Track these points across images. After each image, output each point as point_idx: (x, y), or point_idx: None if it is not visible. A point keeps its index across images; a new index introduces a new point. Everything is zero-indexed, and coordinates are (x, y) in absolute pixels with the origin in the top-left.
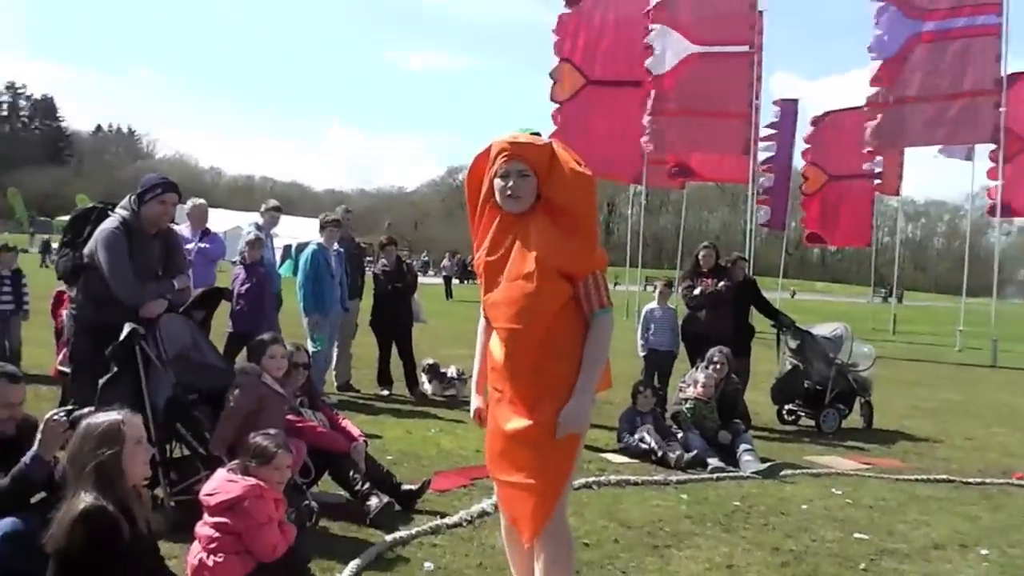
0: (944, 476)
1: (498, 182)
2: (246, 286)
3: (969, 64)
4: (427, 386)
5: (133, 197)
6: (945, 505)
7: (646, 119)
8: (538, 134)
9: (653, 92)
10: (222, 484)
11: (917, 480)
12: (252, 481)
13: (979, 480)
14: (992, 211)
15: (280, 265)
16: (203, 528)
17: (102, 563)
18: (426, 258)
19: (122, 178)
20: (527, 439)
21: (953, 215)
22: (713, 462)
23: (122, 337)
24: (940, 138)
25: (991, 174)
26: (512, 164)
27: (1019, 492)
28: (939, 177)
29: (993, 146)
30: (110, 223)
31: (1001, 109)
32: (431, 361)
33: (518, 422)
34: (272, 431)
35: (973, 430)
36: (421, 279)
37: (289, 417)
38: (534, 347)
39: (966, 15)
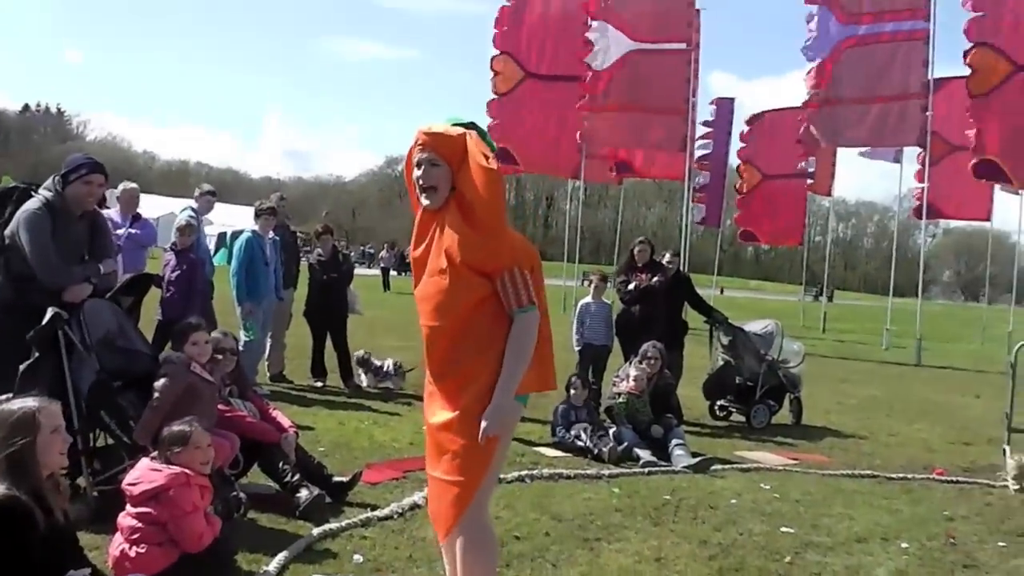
0: (868, 471)
1: (414, 171)
2: (176, 273)
3: (897, 68)
4: (363, 378)
5: (57, 177)
6: (868, 499)
7: (583, 114)
8: (472, 124)
9: (591, 87)
10: (145, 473)
11: (842, 475)
12: (177, 470)
13: (901, 475)
14: (918, 212)
15: (214, 253)
16: (125, 519)
17: (16, 554)
18: (371, 249)
19: (49, 160)
20: (446, 434)
21: (882, 216)
22: (645, 456)
23: (44, 321)
24: (869, 140)
25: (918, 176)
26: (425, 153)
27: (939, 487)
28: (870, 178)
29: (920, 149)
30: (33, 203)
31: (928, 113)
32: (363, 353)
33: (440, 416)
34: (186, 418)
35: (897, 426)
36: (360, 271)
37: (219, 407)
38: (450, 342)
39: (895, 20)
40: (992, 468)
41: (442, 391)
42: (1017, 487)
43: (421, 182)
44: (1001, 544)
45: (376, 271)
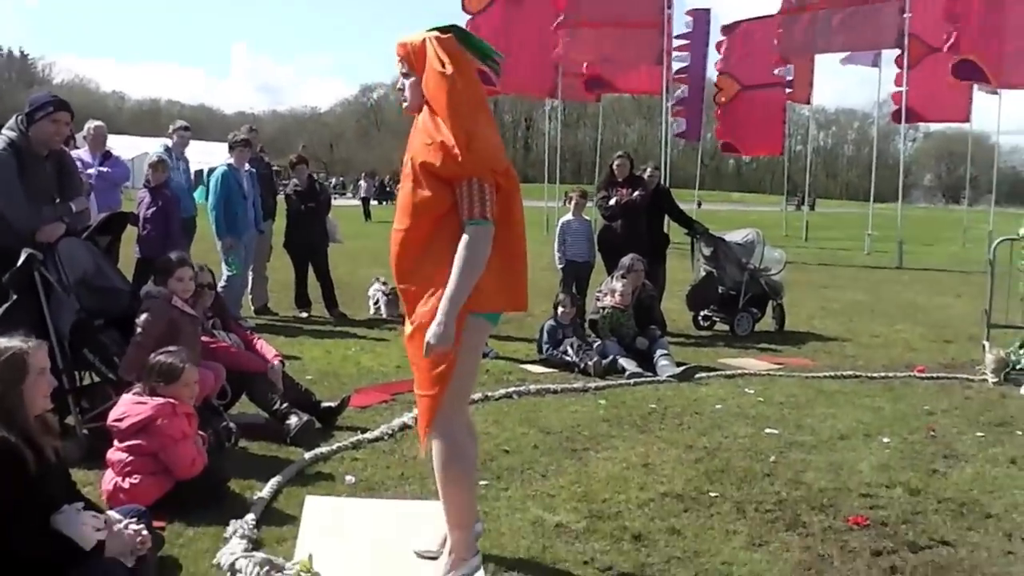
0: (851, 372)
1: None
2: (152, 210)
3: None
4: (383, 310)
5: (21, 117)
6: (851, 399)
7: (558, 31)
8: (452, 26)
9: (565, 4)
10: (130, 407)
11: (825, 377)
12: (161, 400)
13: (883, 374)
14: (897, 117)
15: (193, 190)
16: (115, 454)
17: (10, 496)
18: (342, 179)
19: (16, 106)
20: (410, 348)
21: (862, 123)
22: (630, 367)
23: (19, 263)
24: (846, 44)
25: (896, 80)
26: (400, 64)
27: (920, 384)
28: (849, 85)
29: (898, 51)
30: None
31: (906, 15)
32: (382, 287)
33: (407, 328)
34: (173, 348)
35: (879, 328)
36: (339, 201)
37: (203, 339)
38: (410, 248)
39: None
40: (972, 364)
41: (406, 301)
42: (996, 380)
43: (399, 91)
44: (980, 435)
45: (356, 201)
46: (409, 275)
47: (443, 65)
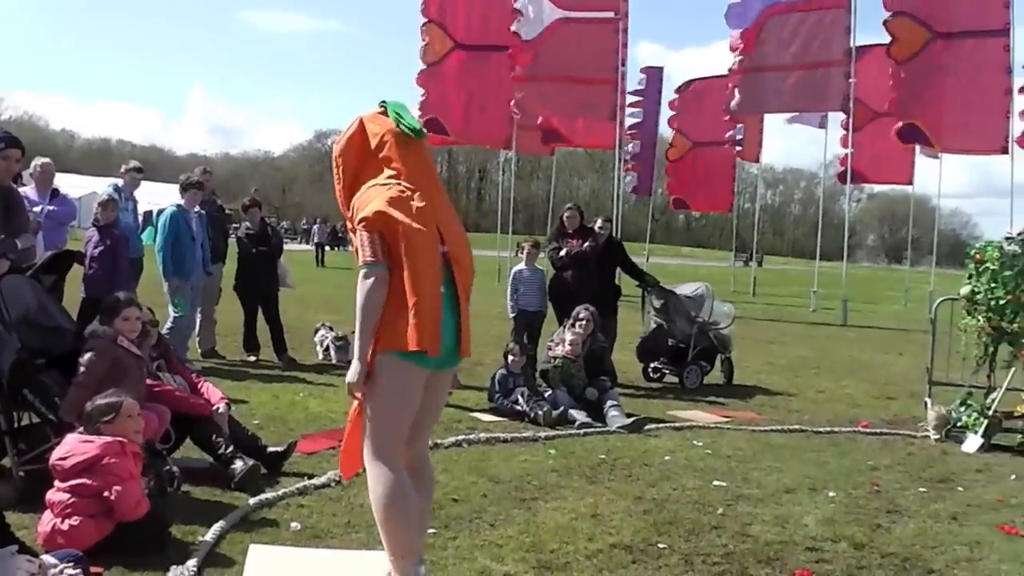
0: (797, 426)
1: None
2: (99, 249)
3: (820, 36)
4: (332, 355)
5: None
6: (797, 453)
7: (514, 84)
8: (382, 103)
9: (521, 58)
10: (75, 446)
11: (772, 431)
12: (109, 438)
13: (828, 429)
14: (843, 178)
15: (141, 231)
16: (56, 494)
17: None
18: (305, 225)
19: None
20: None
21: (809, 182)
22: (580, 418)
23: None
24: (794, 106)
25: (842, 142)
26: None
27: (864, 439)
28: (797, 145)
29: (843, 115)
30: None
31: (851, 80)
32: (339, 333)
33: None
34: (109, 391)
35: (824, 384)
36: (295, 246)
37: (148, 381)
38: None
39: None
40: (914, 420)
41: None
42: (937, 436)
43: None
44: (922, 490)
45: (307, 246)
46: None
47: (341, 140)
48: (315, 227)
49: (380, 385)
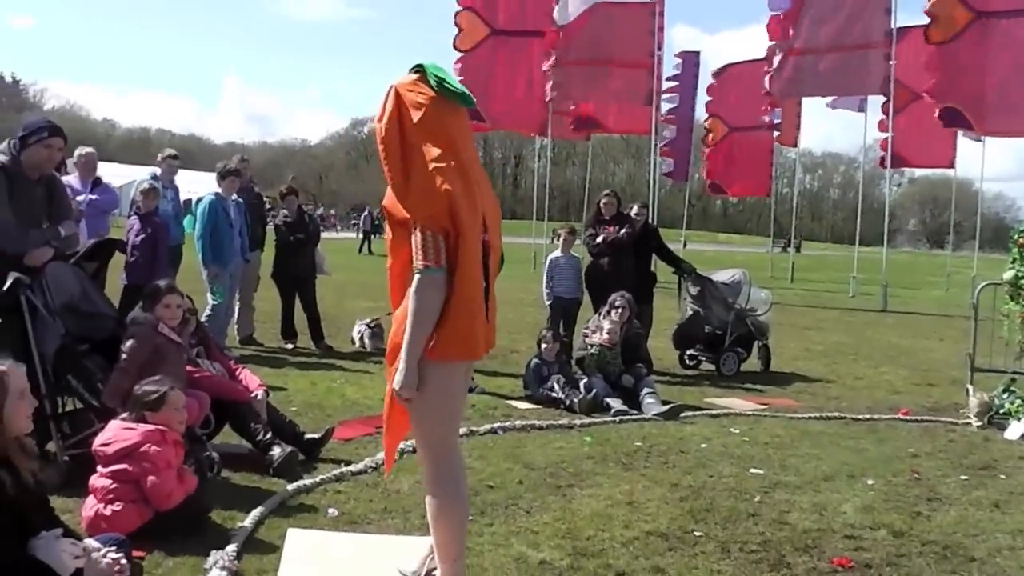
0: (835, 413)
1: None
2: (140, 237)
3: (860, 17)
4: (367, 342)
5: (14, 141)
6: (835, 440)
7: (549, 69)
8: (417, 67)
9: (557, 42)
10: (118, 432)
11: (810, 418)
12: (151, 427)
13: (867, 416)
14: (883, 162)
15: (182, 219)
16: (99, 480)
17: None
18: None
19: (6, 130)
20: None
21: (848, 167)
22: (616, 405)
23: (6, 286)
24: (833, 89)
25: (882, 126)
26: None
27: (904, 426)
28: (835, 129)
29: (884, 98)
30: None
31: (891, 62)
32: (372, 320)
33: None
34: (156, 377)
35: (863, 370)
36: (347, 234)
37: (187, 368)
38: (395, 284)
39: None
40: (955, 407)
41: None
42: (979, 424)
43: None
44: (963, 478)
45: (345, 235)
46: (397, 306)
47: (383, 117)
48: (363, 216)
49: (434, 394)
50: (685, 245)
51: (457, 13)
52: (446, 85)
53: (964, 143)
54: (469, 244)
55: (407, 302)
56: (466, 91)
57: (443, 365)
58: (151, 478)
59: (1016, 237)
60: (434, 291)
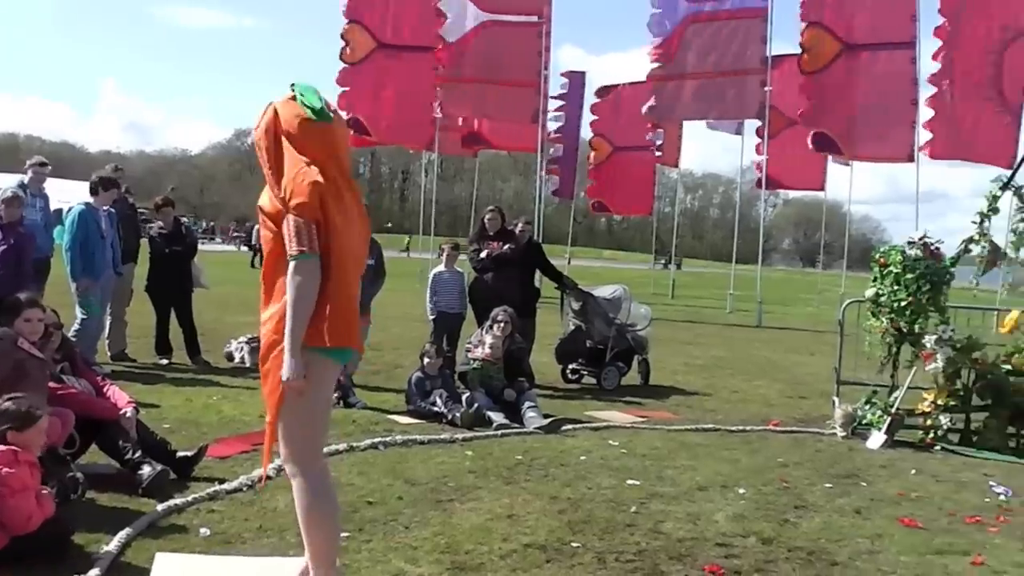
0: (711, 425)
1: None
2: (2, 247)
3: (738, 44)
4: (247, 359)
5: None
6: (710, 451)
7: (437, 86)
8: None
9: (446, 58)
10: None
11: (687, 430)
12: (3, 447)
13: (741, 428)
14: (759, 183)
15: (52, 229)
16: None
17: None
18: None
19: None
20: (263, 380)
21: (727, 187)
22: (498, 419)
23: None
24: (711, 113)
25: (758, 149)
26: None
27: (775, 437)
28: (715, 151)
29: (759, 122)
30: None
31: (766, 88)
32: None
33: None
34: (18, 395)
35: (739, 384)
36: (213, 247)
37: (50, 384)
38: (267, 287)
39: None
40: (823, 419)
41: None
42: (844, 434)
43: None
44: (828, 486)
45: (226, 247)
46: (267, 304)
47: (258, 126)
48: (255, 229)
49: (308, 383)
50: (570, 261)
51: (344, 26)
52: (305, 103)
53: (834, 167)
54: (341, 239)
55: (277, 304)
56: (323, 107)
57: (314, 356)
58: (6, 501)
59: (876, 257)
60: (309, 276)
